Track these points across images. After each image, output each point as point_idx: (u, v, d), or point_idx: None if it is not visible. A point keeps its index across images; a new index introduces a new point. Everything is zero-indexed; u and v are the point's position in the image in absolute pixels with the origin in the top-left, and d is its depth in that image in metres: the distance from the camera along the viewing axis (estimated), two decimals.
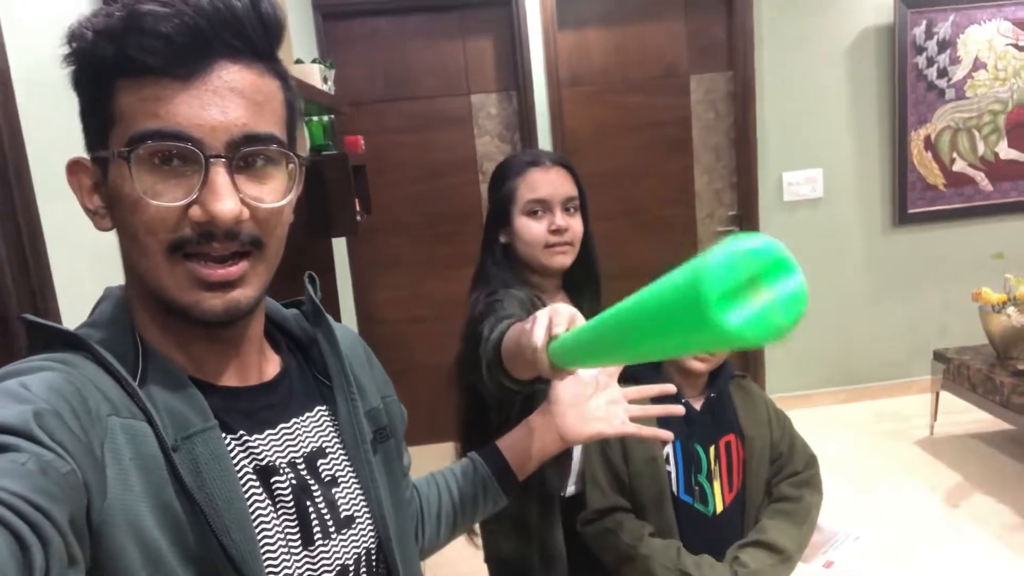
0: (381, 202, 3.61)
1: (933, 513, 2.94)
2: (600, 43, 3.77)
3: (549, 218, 1.38)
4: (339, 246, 3.58)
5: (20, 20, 1.30)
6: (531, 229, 1.38)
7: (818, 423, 3.77)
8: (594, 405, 1.07)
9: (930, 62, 3.80)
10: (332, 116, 2.61)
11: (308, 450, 0.72)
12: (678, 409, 1.13)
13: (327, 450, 0.74)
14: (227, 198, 0.60)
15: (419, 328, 3.90)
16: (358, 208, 2.51)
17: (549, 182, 1.38)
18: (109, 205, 0.64)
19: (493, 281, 1.38)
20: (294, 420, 0.73)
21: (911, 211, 3.92)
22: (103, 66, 0.60)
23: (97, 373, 0.61)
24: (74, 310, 1.34)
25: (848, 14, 3.76)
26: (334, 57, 3.42)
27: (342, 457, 0.76)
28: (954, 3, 3.74)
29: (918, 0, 3.71)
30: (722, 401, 1.46)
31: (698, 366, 1.42)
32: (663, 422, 1.37)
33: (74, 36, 0.61)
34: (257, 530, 0.64)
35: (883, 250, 3.99)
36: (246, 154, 0.62)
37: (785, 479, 1.47)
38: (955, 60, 3.81)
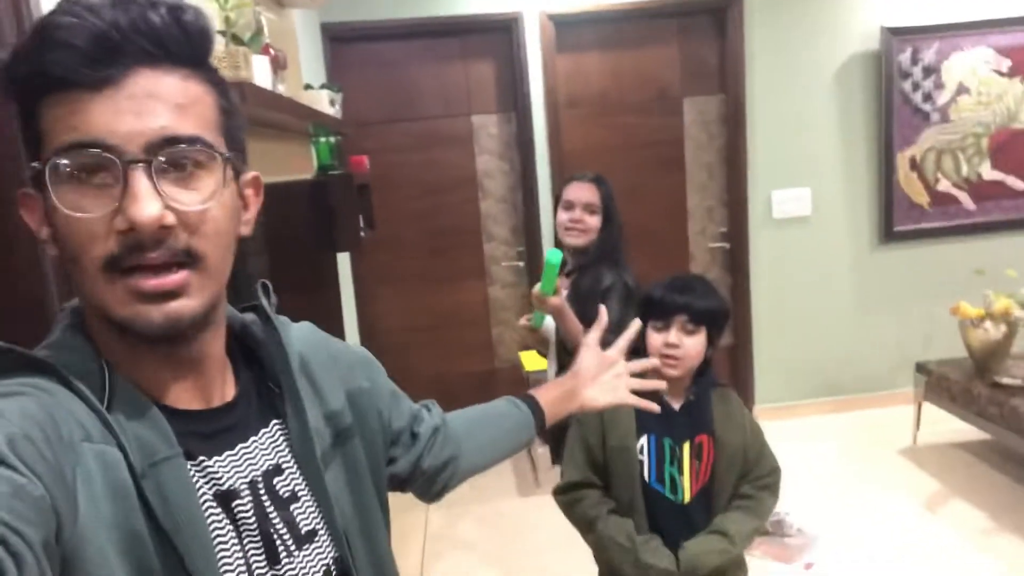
0: (384, 217, 3.76)
1: (913, 518, 3.06)
2: (597, 67, 3.93)
3: (571, 213, 2.25)
4: (343, 259, 3.72)
5: None
6: (560, 216, 2.28)
7: (805, 433, 3.90)
8: (605, 378, 1.18)
9: (915, 87, 3.95)
10: (339, 137, 2.76)
11: (265, 468, 0.72)
12: (653, 406, 1.24)
13: (283, 466, 0.74)
14: (147, 202, 0.58)
15: (417, 337, 4.05)
16: (362, 224, 2.66)
17: (577, 192, 2.26)
18: (52, 229, 0.62)
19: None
20: (252, 439, 0.72)
21: (897, 229, 4.06)
22: (24, 86, 0.59)
23: (68, 398, 0.60)
24: None
25: (836, 41, 3.91)
26: (341, 80, 3.58)
27: (299, 471, 0.75)
28: (939, 31, 3.88)
29: (904, 28, 3.86)
30: (700, 405, 1.63)
31: (670, 372, 1.58)
32: (641, 419, 1.59)
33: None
34: (218, 557, 0.65)
35: (869, 266, 4.13)
36: (169, 156, 0.60)
37: (749, 482, 1.63)
38: (939, 85, 3.95)
